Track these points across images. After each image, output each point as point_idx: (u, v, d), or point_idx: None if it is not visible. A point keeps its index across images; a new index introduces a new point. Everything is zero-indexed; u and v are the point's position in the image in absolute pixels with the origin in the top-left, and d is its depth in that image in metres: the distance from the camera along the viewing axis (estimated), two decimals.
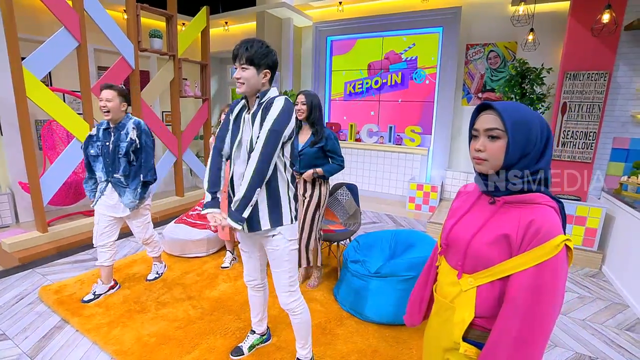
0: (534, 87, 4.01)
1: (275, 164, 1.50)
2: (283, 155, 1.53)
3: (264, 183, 1.47)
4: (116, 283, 2.66)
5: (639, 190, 3.17)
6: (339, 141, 2.60)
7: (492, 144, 0.85)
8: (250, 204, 1.44)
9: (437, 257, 1.07)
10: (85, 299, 2.45)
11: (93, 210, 4.20)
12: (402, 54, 5.19)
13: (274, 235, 1.58)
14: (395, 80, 5.30)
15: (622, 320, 2.46)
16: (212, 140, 2.85)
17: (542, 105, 4.03)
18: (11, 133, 3.96)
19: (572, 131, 3.58)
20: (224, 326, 2.20)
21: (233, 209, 1.46)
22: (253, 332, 2.02)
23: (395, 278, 2.19)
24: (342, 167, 2.48)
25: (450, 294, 0.94)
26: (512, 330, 0.79)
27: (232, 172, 1.58)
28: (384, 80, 5.38)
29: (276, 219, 1.55)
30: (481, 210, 0.92)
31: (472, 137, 0.92)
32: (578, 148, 3.58)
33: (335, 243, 3.12)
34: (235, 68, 1.48)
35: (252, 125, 1.50)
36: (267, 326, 2.06)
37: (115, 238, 2.50)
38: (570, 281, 3.01)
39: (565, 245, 0.78)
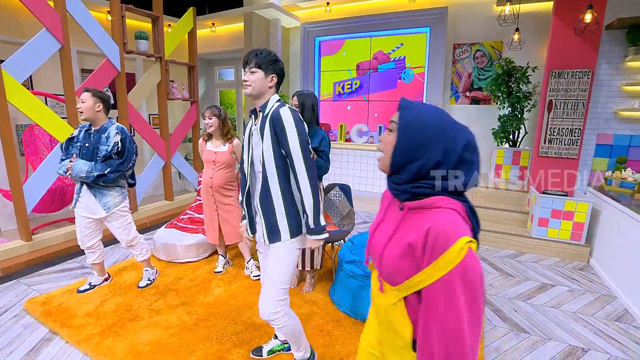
0: (520, 85, 4.10)
1: (289, 175, 1.55)
2: None
3: (282, 195, 1.55)
4: (109, 276, 2.81)
5: (622, 184, 3.27)
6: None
7: (387, 137, 0.84)
8: (321, 211, 1.55)
9: None
10: (81, 289, 2.62)
11: None
12: (390, 53, 5.23)
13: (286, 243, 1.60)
14: (384, 80, 5.32)
15: (611, 312, 2.52)
16: (201, 141, 2.79)
17: (529, 103, 4.12)
18: None
19: (558, 128, 3.66)
20: (220, 331, 2.16)
21: (312, 225, 1.53)
22: (276, 337, 2.01)
23: None
24: (327, 166, 2.39)
25: (381, 304, 0.90)
26: (433, 345, 0.74)
27: (248, 187, 1.65)
28: (372, 80, 5.40)
29: (297, 228, 1.59)
30: (393, 217, 0.88)
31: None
32: (564, 145, 3.66)
33: (330, 244, 3.11)
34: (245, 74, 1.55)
35: (262, 140, 1.53)
36: None
37: (99, 238, 2.58)
38: (560, 275, 3.07)
39: (471, 248, 0.73)
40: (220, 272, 2.95)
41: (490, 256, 3.46)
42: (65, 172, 2.30)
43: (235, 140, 2.71)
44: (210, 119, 2.61)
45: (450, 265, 0.71)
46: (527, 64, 4.10)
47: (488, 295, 2.71)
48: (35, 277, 2.90)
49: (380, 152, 0.86)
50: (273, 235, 1.57)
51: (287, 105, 1.54)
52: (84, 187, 2.37)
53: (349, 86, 5.57)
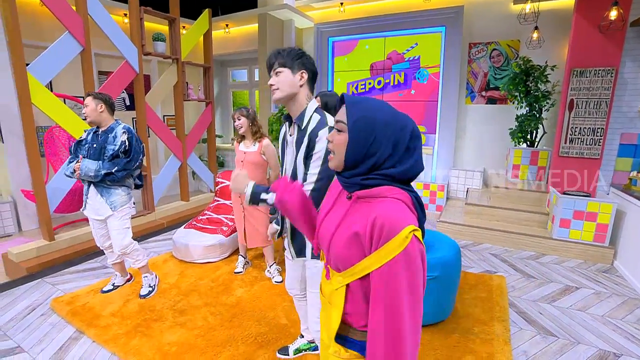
0: (539, 84, 4.04)
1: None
2: None
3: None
4: (131, 276, 2.83)
5: None
6: None
7: (337, 136, 0.83)
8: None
9: None
10: (105, 289, 2.66)
11: None
12: (404, 53, 5.20)
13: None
14: (398, 80, 5.29)
15: None
16: (235, 144, 2.79)
17: (547, 102, 4.06)
18: (13, 140, 3.89)
19: (580, 128, 3.60)
20: (245, 332, 2.17)
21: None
22: (302, 336, 2.00)
23: None
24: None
25: (327, 291, 0.93)
26: (380, 328, 0.76)
27: None
28: (386, 81, 5.38)
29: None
30: (341, 206, 0.90)
31: None
32: (586, 144, 3.60)
33: None
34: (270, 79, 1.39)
35: (297, 153, 1.39)
36: None
37: None
38: (584, 277, 3.01)
39: (415, 235, 0.75)
40: (241, 272, 2.96)
41: (511, 257, 3.41)
42: (73, 173, 2.32)
43: (265, 140, 2.68)
44: (239, 119, 2.61)
45: (394, 252, 0.74)
46: (546, 62, 4.03)
47: (511, 297, 2.67)
48: (59, 277, 2.94)
49: (331, 152, 0.85)
50: (299, 252, 1.52)
51: (328, 124, 1.32)
52: (91, 187, 2.40)
53: (363, 86, 5.55)
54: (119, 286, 2.71)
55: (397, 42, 5.21)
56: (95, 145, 2.35)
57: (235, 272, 2.96)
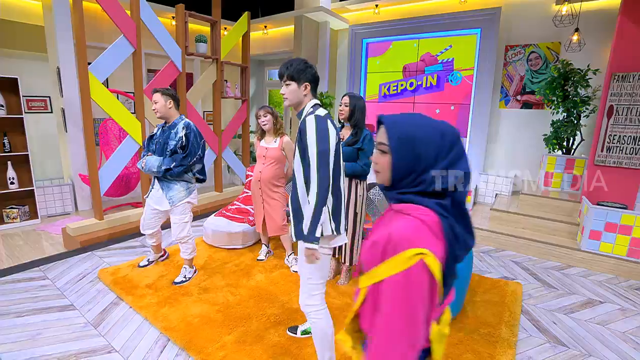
0: (578, 89, 3.86)
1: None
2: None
3: (306, 198, 1.58)
4: (165, 252, 3.14)
5: None
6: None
7: (382, 158, 0.85)
8: (320, 224, 1.52)
9: None
10: (141, 264, 3.00)
11: (140, 202, 4.62)
12: (438, 55, 5.16)
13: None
14: (430, 82, 5.27)
15: None
16: (255, 140, 3.03)
17: (587, 109, 3.87)
18: (74, 130, 4.41)
19: (619, 135, 3.41)
20: (260, 312, 2.37)
21: (305, 231, 1.54)
22: None
23: None
24: (364, 170, 2.49)
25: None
26: (372, 336, 0.79)
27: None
28: (419, 82, 5.37)
29: (299, 233, 1.59)
30: (386, 215, 0.93)
31: None
32: (625, 153, 3.40)
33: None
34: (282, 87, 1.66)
35: (295, 146, 1.64)
36: None
37: (158, 227, 2.80)
38: (612, 292, 2.89)
39: (423, 261, 0.72)
40: (262, 260, 3.18)
41: (533, 266, 3.33)
42: (142, 167, 2.53)
43: (285, 137, 2.89)
44: (266, 117, 2.83)
45: (394, 270, 0.73)
46: (588, 66, 3.84)
47: (526, 305, 2.64)
48: (106, 251, 3.34)
49: (377, 171, 0.89)
50: (298, 234, 1.62)
51: (316, 112, 1.57)
52: (156, 179, 2.59)
53: (395, 88, 5.58)
54: (152, 262, 3.04)
55: (431, 43, 5.19)
56: (160, 141, 2.52)
57: (257, 260, 3.18)
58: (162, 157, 2.49)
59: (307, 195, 1.56)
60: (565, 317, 2.50)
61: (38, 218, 4.11)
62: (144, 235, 2.88)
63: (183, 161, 2.46)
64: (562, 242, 3.48)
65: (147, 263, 3.00)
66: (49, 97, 4.77)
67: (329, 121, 1.57)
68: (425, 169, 0.79)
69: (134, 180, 4.48)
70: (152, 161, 2.48)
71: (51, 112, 4.81)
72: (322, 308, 1.68)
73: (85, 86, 3.31)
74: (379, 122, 0.87)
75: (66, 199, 4.52)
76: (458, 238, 0.79)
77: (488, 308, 2.52)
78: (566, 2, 3.53)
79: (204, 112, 6.10)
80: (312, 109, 1.61)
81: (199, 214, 4.48)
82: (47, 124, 4.77)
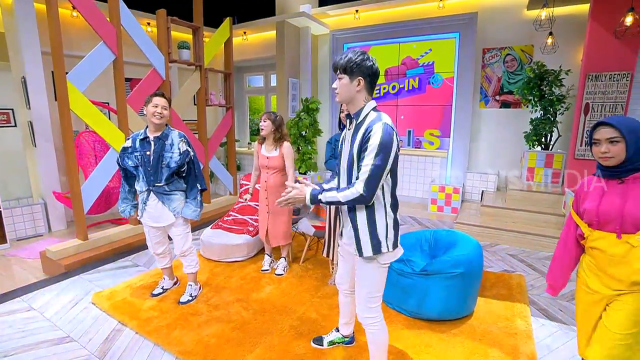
0: (553, 88, 4.12)
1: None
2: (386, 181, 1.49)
3: (365, 210, 1.50)
4: (177, 279, 2.87)
5: None
6: None
7: (614, 147, 1.31)
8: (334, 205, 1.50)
9: (574, 234, 1.50)
10: (155, 292, 2.69)
11: (121, 219, 4.34)
12: (419, 59, 5.31)
13: (369, 259, 1.55)
14: (412, 85, 5.41)
15: None
16: (256, 144, 2.94)
17: (562, 106, 4.13)
18: (45, 145, 4.08)
19: None
20: (278, 325, 2.28)
21: (323, 199, 1.48)
22: (337, 330, 2.10)
23: (443, 275, 2.27)
24: None
25: (617, 252, 1.32)
26: None
27: (338, 186, 1.66)
28: (401, 86, 5.50)
29: (377, 247, 1.51)
30: (614, 190, 1.34)
31: (592, 143, 1.38)
32: None
33: None
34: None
35: (351, 146, 1.50)
36: (353, 332, 2.10)
37: (167, 243, 2.62)
38: None
39: None
40: (267, 270, 3.07)
41: (528, 258, 3.48)
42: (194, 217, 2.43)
43: (285, 143, 2.82)
44: (265, 122, 2.75)
45: None
46: (560, 67, 4.12)
47: (531, 295, 2.74)
48: (95, 274, 3.09)
49: (609, 157, 1.32)
50: (358, 248, 1.54)
51: (383, 120, 1.43)
52: (151, 195, 2.34)
53: (377, 91, 5.67)
54: (167, 289, 2.73)
55: (412, 48, 5.33)
56: (148, 153, 2.27)
57: (262, 270, 3.07)
58: (190, 198, 2.44)
59: (375, 204, 1.48)
60: (568, 304, 2.62)
61: (7, 242, 3.73)
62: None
63: (201, 173, 2.48)
64: (551, 233, 3.66)
65: (162, 291, 2.70)
66: (12, 109, 4.39)
67: (394, 133, 1.44)
68: None
69: (114, 195, 4.21)
70: (190, 212, 2.42)
71: (15, 125, 4.42)
72: (380, 320, 1.66)
73: (64, 97, 3.07)
74: (602, 124, 1.34)
75: (37, 220, 4.15)
76: None
77: (499, 302, 2.59)
78: (544, 7, 3.76)
79: (183, 120, 5.85)
80: (376, 114, 1.47)
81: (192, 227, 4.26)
82: (10, 138, 4.38)
